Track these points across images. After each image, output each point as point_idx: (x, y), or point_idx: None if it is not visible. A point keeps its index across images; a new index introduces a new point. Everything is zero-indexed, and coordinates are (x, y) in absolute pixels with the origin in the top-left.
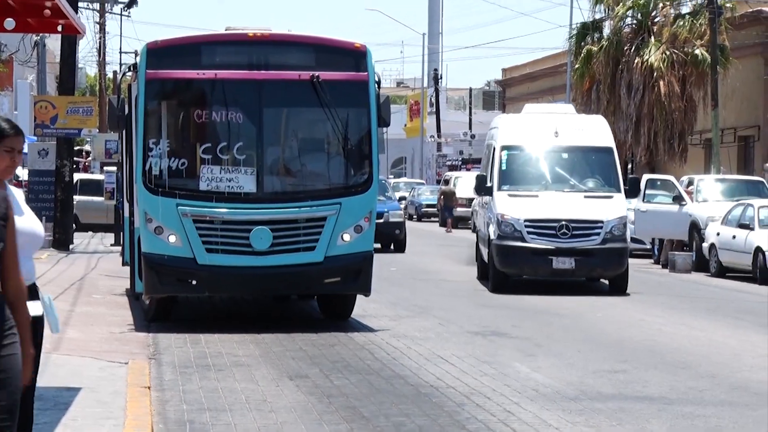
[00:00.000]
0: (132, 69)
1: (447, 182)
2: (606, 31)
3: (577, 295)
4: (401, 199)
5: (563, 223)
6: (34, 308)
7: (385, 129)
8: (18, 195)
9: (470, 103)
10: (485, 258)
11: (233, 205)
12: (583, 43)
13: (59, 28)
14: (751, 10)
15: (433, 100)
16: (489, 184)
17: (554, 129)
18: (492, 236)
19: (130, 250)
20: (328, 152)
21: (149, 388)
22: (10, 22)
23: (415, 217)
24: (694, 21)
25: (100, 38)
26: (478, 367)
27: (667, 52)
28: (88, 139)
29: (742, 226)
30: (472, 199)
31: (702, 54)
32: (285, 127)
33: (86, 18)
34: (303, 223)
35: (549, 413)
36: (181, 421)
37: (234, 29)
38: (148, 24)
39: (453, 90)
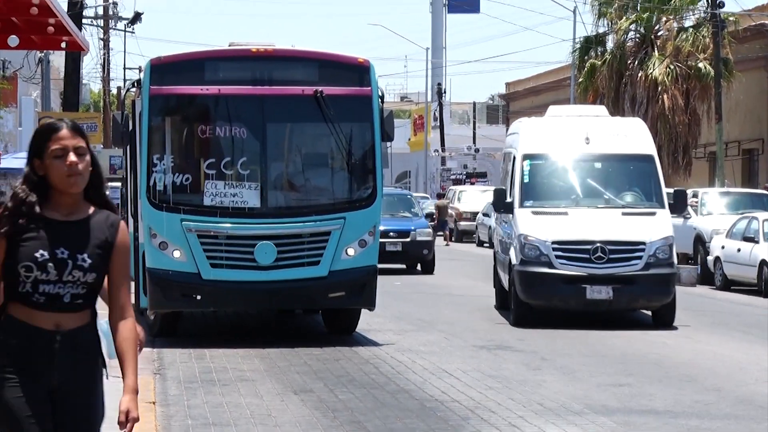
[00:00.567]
0: (136, 85)
1: (441, 196)
2: (609, 45)
3: (612, 325)
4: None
5: (598, 245)
6: None
7: (388, 143)
8: None
9: (474, 117)
10: (505, 284)
11: (237, 220)
12: (586, 57)
13: (63, 45)
14: (754, 23)
15: (437, 114)
16: (509, 200)
17: (585, 134)
18: (514, 261)
19: (134, 266)
20: (331, 167)
21: (154, 403)
22: (14, 39)
23: None
24: (698, 34)
25: (104, 54)
26: (483, 380)
27: (671, 66)
28: None
29: (747, 239)
30: (476, 213)
31: (705, 67)
32: (289, 142)
33: (90, 34)
34: (307, 237)
35: (554, 427)
36: None
37: (237, 45)
38: (152, 40)
39: (457, 104)
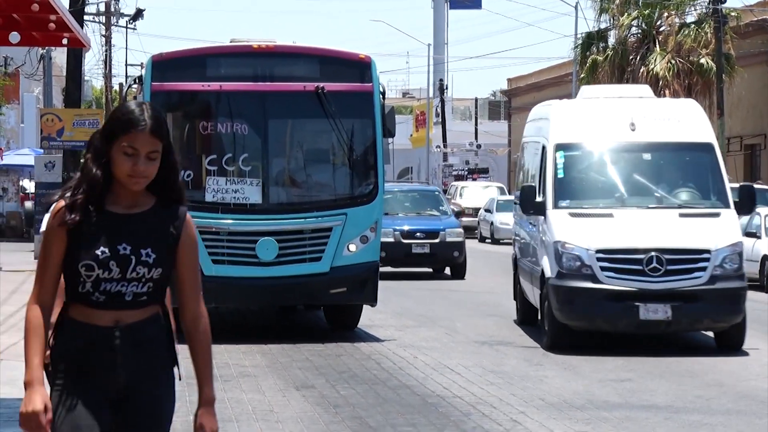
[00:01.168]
0: (137, 81)
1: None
2: (611, 41)
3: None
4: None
5: (653, 254)
6: None
7: (390, 139)
8: None
9: (476, 113)
10: (532, 299)
11: (239, 216)
12: (588, 53)
13: (64, 42)
14: (756, 18)
15: (439, 110)
16: (540, 199)
17: (629, 119)
18: (548, 273)
19: None
20: (333, 163)
21: None
22: (15, 36)
23: None
24: (699, 30)
25: (105, 51)
26: (484, 376)
27: (673, 61)
28: None
29: (749, 234)
30: (478, 209)
31: (707, 63)
32: (290, 139)
33: (92, 31)
34: (309, 233)
35: (556, 422)
36: None
37: (239, 41)
38: (154, 36)
39: (459, 100)
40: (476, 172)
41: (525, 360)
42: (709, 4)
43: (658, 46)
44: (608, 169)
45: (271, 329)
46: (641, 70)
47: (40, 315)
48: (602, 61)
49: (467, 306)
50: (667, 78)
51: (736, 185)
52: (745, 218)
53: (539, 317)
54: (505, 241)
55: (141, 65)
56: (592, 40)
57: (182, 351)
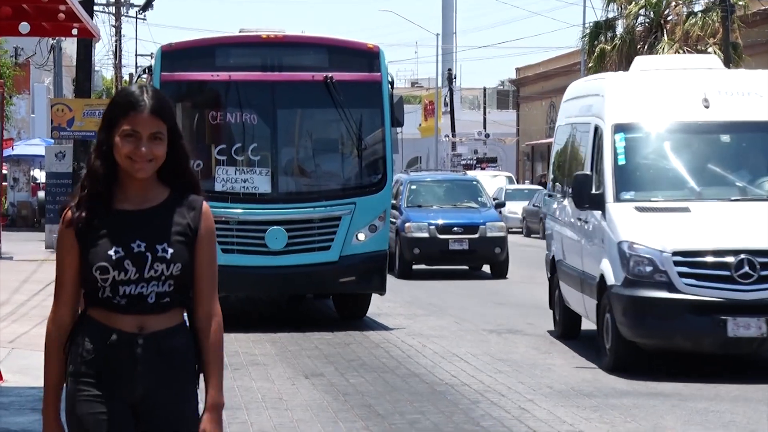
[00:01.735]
0: (147, 71)
1: None
2: (619, 30)
3: None
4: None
5: (743, 257)
6: None
7: (399, 129)
8: None
9: (484, 103)
10: (580, 310)
11: (248, 205)
12: (596, 42)
13: (74, 32)
14: (763, 7)
15: (448, 99)
16: (597, 191)
17: (701, 94)
18: (611, 280)
19: None
20: (342, 152)
21: None
22: (24, 26)
23: None
24: (707, 19)
25: (115, 41)
26: (492, 364)
27: (680, 51)
28: None
29: None
30: None
31: (715, 52)
32: (299, 128)
33: (102, 21)
34: (318, 222)
35: (563, 410)
36: None
37: (248, 31)
38: (163, 27)
39: (467, 90)
40: (485, 162)
41: (533, 348)
42: None
43: (665, 35)
44: (679, 154)
45: (281, 318)
46: None
47: (57, 337)
48: (610, 50)
49: (476, 295)
50: None
51: None
52: None
53: (599, 333)
54: (514, 230)
55: (151, 55)
56: (600, 30)
57: None
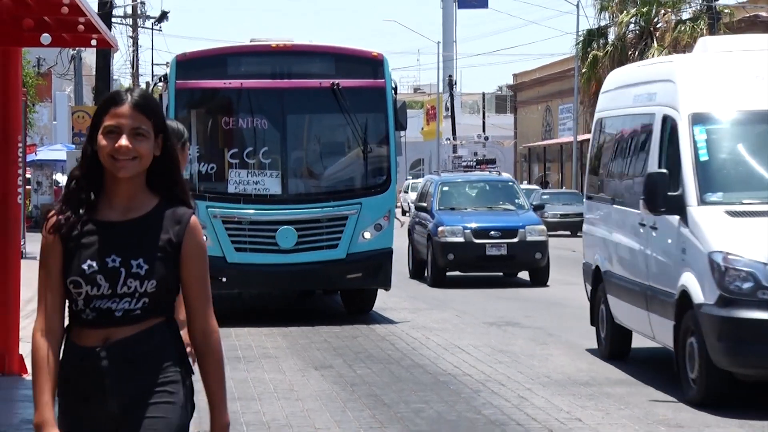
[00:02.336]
0: (163, 80)
1: None
2: (611, 37)
3: None
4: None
5: None
6: None
7: (402, 132)
8: None
9: (483, 107)
10: (641, 328)
11: (260, 206)
12: (589, 49)
13: (93, 43)
14: (748, 14)
15: (449, 104)
16: (676, 192)
17: None
18: (700, 298)
19: None
20: (348, 155)
21: None
22: (46, 38)
23: None
24: (695, 26)
25: (133, 51)
26: (493, 355)
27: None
28: None
29: None
30: None
31: None
32: (307, 133)
33: (120, 33)
34: (326, 222)
35: (560, 398)
36: None
37: (258, 41)
38: (178, 37)
39: (467, 95)
40: (484, 163)
41: (531, 340)
42: (703, 1)
43: (655, 42)
44: None
45: (291, 313)
46: None
47: (45, 346)
48: (602, 56)
49: (477, 289)
50: None
51: None
52: None
53: (678, 360)
54: None
55: (166, 64)
56: (592, 37)
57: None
